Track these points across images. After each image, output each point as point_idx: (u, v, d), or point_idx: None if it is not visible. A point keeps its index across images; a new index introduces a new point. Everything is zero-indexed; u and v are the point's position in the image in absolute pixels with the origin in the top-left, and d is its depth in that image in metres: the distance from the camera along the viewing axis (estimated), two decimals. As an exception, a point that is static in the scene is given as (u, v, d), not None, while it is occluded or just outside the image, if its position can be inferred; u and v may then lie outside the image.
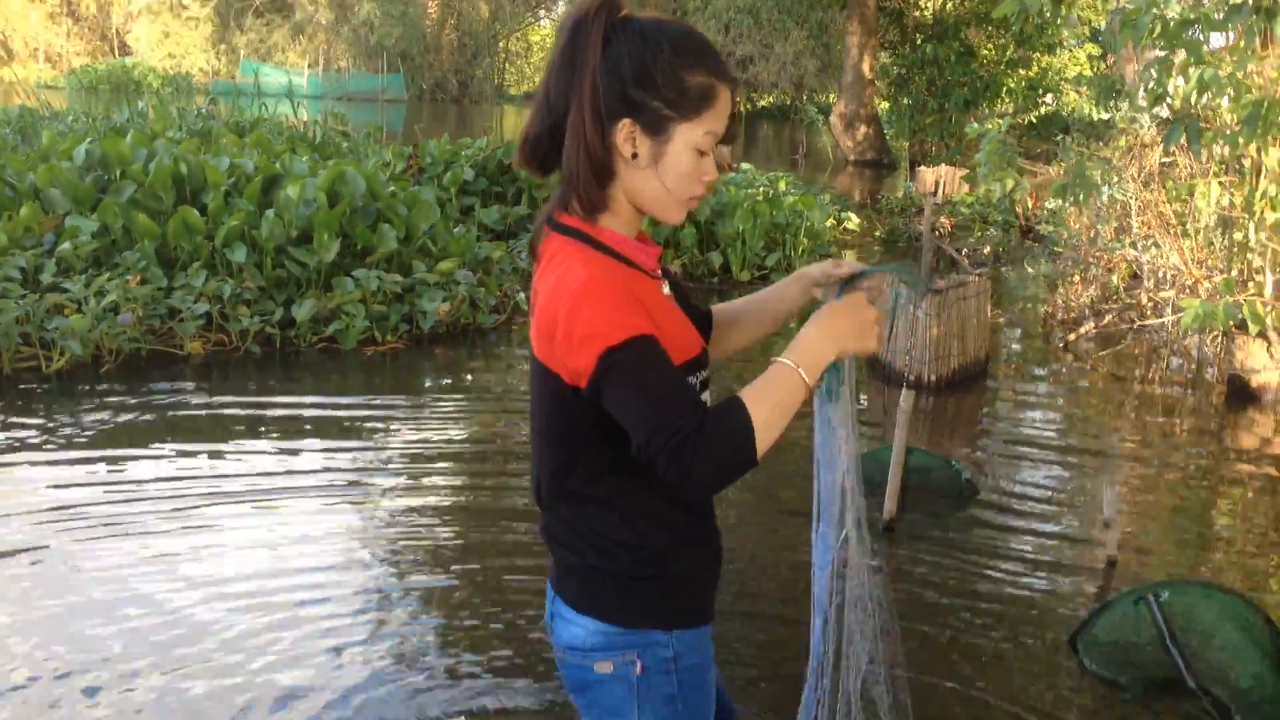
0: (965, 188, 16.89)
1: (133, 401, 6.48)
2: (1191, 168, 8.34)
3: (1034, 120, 24.62)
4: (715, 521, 2.15)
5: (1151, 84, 6.83)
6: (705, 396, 2.02)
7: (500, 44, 59.69)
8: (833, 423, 2.12)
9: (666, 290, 2.06)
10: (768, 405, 1.82)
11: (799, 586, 4.23)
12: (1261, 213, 7.19)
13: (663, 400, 1.79)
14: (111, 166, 8.96)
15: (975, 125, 9.38)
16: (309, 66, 51.12)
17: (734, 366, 6.73)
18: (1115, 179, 9.04)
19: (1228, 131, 6.73)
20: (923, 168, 18.91)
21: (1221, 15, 6.40)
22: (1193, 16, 6.44)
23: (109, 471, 5.53)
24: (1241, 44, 6.66)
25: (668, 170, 1.91)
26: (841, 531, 2.14)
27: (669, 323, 1.93)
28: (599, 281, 1.85)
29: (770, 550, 4.85)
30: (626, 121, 1.88)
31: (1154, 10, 6.39)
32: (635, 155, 1.90)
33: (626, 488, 1.98)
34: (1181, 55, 6.59)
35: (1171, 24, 6.45)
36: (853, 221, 14.87)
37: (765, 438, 1.80)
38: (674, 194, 1.94)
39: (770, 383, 1.85)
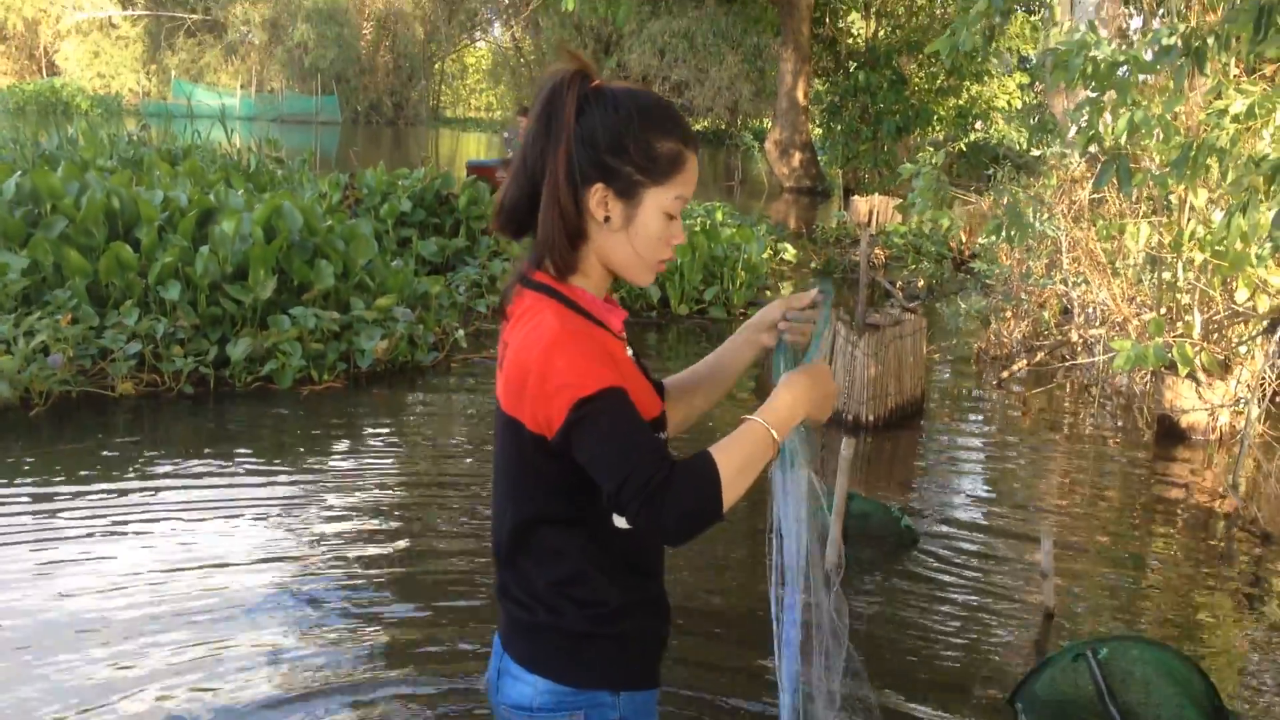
0: (898, 217, 17.06)
1: (61, 447, 6.38)
2: (1121, 204, 8.48)
3: (964, 148, 24.99)
4: (664, 586, 2.17)
5: (1084, 124, 6.93)
6: None
7: (435, 66, 59.66)
8: (789, 489, 2.16)
9: (629, 352, 2.10)
10: (736, 461, 1.88)
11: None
12: (1190, 253, 7.31)
13: (634, 450, 1.84)
14: (42, 200, 8.75)
15: (908, 165, 9.47)
16: (241, 88, 50.71)
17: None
18: (1047, 215, 9.17)
19: (1156, 172, 6.85)
20: (856, 197, 19.11)
21: (1151, 56, 6.51)
22: (1123, 58, 6.54)
23: (31, 504, 5.58)
24: (1170, 85, 6.77)
25: (638, 233, 1.98)
26: (803, 594, 2.17)
27: (633, 383, 1.97)
28: (571, 333, 1.90)
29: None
30: (599, 186, 1.94)
31: (1085, 52, 6.50)
32: (608, 218, 1.96)
33: (585, 544, 2.01)
34: (1112, 95, 6.70)
35: (1102, 65, 6.55)
36: (789, 253, 14.94)
37: (732, 492, 1.86)
38: (644, 257, 2.00)
39: (741, 439, 1.92)
